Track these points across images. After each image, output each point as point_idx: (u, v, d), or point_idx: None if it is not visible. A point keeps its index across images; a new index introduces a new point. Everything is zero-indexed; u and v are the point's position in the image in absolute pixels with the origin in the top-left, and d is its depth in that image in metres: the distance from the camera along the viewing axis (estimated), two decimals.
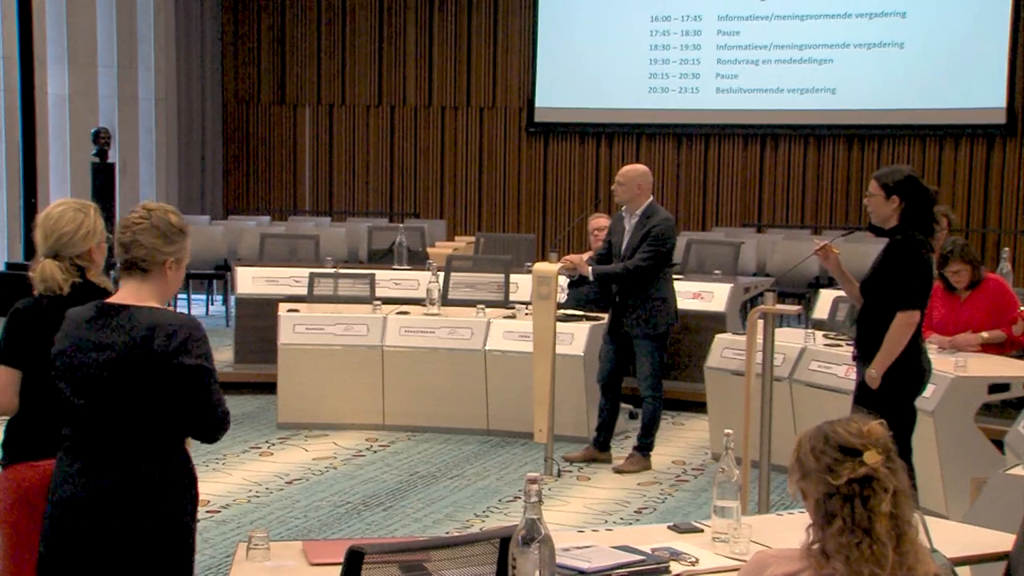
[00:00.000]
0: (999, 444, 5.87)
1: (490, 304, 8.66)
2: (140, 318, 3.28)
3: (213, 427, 3.47)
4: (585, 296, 8.64)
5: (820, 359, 7.19)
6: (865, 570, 2.48)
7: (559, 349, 7.30)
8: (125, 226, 3.38)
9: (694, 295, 9.04)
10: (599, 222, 8.93)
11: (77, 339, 3.30)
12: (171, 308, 3.40)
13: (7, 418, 3.86)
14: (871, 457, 2.51)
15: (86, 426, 3.29)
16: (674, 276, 7.79)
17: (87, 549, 3.27)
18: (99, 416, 3.27)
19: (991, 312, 6.99)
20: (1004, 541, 3.44)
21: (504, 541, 2.80)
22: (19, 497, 3.76)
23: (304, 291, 9.06)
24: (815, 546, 2.55)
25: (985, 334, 6.90)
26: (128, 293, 3.36)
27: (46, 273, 3.79)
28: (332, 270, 9.45)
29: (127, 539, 3.26)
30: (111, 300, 3.37)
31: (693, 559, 3.35)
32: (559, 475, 7.29)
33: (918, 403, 5.42)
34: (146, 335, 3.24)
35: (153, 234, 3.35)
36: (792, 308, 6.41)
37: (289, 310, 8.62)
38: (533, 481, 2.66)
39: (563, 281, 8.48)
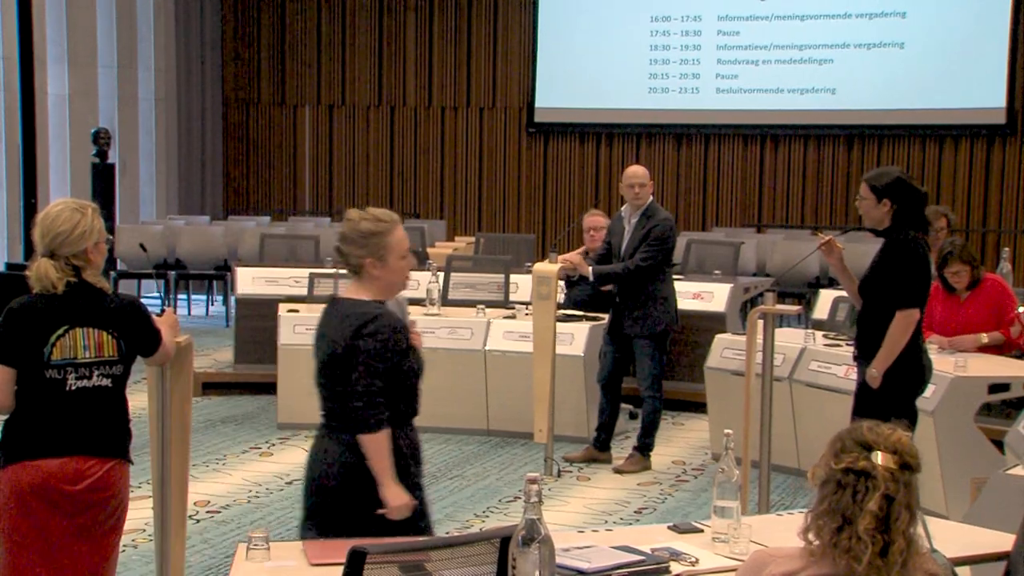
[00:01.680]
0: (999, 444, 5.87)
1: (490, 304, 8.66)
2: (343, 308, 3.75)
3: (353, 409, 3.63)
4: (578, 297, 8.63)
5: (820, 359, 7.19)
6: (841, 561, 2.50)
7: (559, 349, 7.30)
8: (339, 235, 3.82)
9: (694, 295, 9.04)
10: (595, 221, 8.80)
11: (318, 326, 3.82)
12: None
13: (3, 418, 3.86)
14: (879, 456, 2.52)
15: (322, 401, 3.77)
16: (674, 276, 7.80)
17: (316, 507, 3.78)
18: (326, 393, 3.74)
19: (991, 312, 6.99)
20: (1004, 541, 3.44)
21: (504, 541, 2.80)
22: (16, 497, 3.76)
23: (304, 291, 9.06)
24: (809, 534, 2.56)
25: (985, 337, 6.89)
26: (348, 288, 3.83)
27: (41, 272, 3.80)
28: (332, 270, 9.44)
29: (329, 508, 3.70)
30: (340, 294, 3.87)
31: (693, 559, 3.35)
32: (559, 475, 7.29)
33: (918, 403, 5.42)
34: (341, 323, 3.69)
35: (346, 242, 3.77)
36: (792, 308, 6.41)
37: (289, 310, 8.62)
38: (533, 481, 2.66)
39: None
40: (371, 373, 3.60)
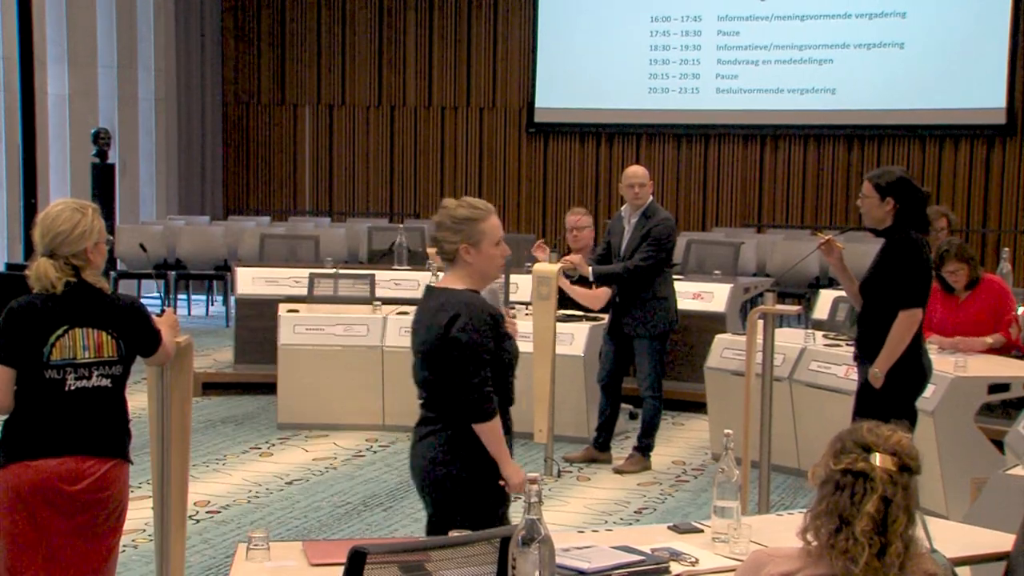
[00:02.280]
0: (999, 444, 5.87)
1: None
2: (438, 298, 3.83)
3: (466, 401, 3.75)
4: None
5: (820, 359, 7.19)
6: (839, 563, 2.50)
7: (559, 349, 7.30)
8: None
9: (694, 295, 9.04)
10: (577, 220, 8.51)
11: (415, 318, 3.91)
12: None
13: (3, 418, 3.86)
14: (877, 458, 2.52)
15: (421, 392, 3.88)
16: (674, 276, 7.79)
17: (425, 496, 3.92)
18: (422, 384, 3.86)
19: (990, 313, 6.99)
20: (1004, 541, 3.44)
21: (504, 541, 2.80)
22: (15, 497, 3.75)
23: (304, 291, 9.06)
24: (808, 534, 2.56)
25: (989, 339, 6.89)
26: (444, 278, 3.91)
27: (40, 271, 3.80)
28: (332, 270, 9.45)
29: (433, 493, 3.86)
30: (436, 284, 3.93)
31: (693, 559, 3.35)
32: (559, 475, 7.29)
33: (918, 403, 5.42)
34: (436, 313, 3.77)
35: (441, 229, 3.84)
36: (792, 308, 6.41)
37: (289, 310, 8.62)
38: (533, 481, 2.66)
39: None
40: (477, 364, 3.71)
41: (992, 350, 6.92)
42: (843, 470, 2.53)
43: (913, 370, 5.26)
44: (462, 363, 3.71)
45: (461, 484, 3.79)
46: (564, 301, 7.95)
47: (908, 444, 2.56)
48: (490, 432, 3.75)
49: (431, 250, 11.03)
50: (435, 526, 3.84)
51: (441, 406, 3.80)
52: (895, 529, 2.50)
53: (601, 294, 7.52)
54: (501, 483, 3.81)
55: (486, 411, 3.73)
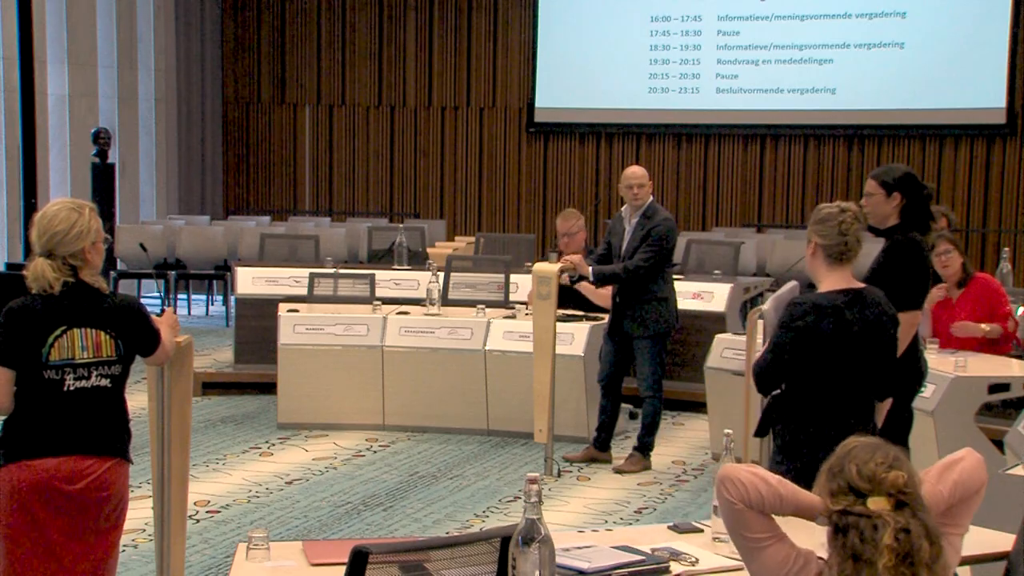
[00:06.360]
0: (999, 444, 5.87)
1: (490, 304, 8.66)
2: (872, 294, 4.15)
3: (894, 377, 4.28)
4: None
5: None
6: None
7: (559, 349, 7.30)
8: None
9: (694, 295, 9.03)
10: (565, 226, 8.45)
11: (851, 320, 4.05)
12: None
13: (2, 419, 3.86)
14: (875, 503, 2.46)
15: (877, 387, 4.25)
16: (674, 276, 7.79)
17: None
18: (882, 376, 4.23)
19: (985, 310, 7.00)
20: (1004, 541, 3.44)
21: (504, 541, 2.80)
22: (15, 497, 3.75)
23: (304, 291, 9.06)
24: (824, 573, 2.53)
25: (985, 327, 6.89)
26: (847, 276, 4.12)
27: (37, 271, 3.80)
28: (332, 270, 9.45)
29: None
30: (852, 287, 4.11)
31: (693, 559, 3.35)
32: (559, 475, 7.29)
33: (918, 403, 5.42)
34: (886, 305, 4.19)
35: (857, 231, 4.13)
36: None
37: (289, 310, 8.62)
38: (533, 481, 2.66)
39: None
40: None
41: (989, 342, 6.92)
42: (841, 512, 2.47)
43: (909, 371, 5.25)
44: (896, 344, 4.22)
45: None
46: (564, 301, 7.96)
47: (902, 480, 2.46)
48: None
49: (430, 250, 11.03)
50: None
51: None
52: (920, 559, 2.40)
53: (609, 292, 7.54)
54: None
55: None
